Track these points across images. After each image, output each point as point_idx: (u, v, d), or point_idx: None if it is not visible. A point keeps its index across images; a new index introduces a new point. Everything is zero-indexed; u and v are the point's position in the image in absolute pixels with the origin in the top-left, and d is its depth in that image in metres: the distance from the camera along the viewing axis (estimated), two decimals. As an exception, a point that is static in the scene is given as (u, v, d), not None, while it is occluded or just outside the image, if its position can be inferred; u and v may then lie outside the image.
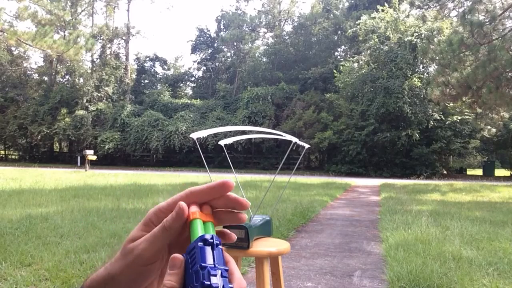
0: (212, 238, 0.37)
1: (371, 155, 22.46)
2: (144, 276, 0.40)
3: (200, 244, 0.37)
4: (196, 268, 0.35)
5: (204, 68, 38.76)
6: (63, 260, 3.09)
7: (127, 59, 34.66)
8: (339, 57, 33.16)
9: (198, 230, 0.39)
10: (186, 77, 40.02)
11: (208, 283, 0.34)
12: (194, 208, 0.41)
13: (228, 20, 36.26)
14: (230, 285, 0.35)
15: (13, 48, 32.57)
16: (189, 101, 31.68)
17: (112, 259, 0.41)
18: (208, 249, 0.37)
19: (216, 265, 0.35)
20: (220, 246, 0.38)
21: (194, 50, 39.14)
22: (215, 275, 0.34)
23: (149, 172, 21.28)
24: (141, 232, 0.40)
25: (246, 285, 0.39)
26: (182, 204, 0.39)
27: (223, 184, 0.39)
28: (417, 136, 20.95)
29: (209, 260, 0.36)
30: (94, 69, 32.84)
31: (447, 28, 19.45)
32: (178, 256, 0.37)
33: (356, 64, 24.80)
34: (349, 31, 25.75)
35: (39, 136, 29.75)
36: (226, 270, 0.36)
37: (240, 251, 1.56)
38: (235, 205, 0.41)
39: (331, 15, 32.82)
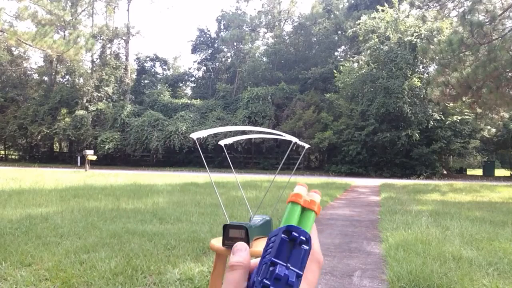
0: (299, 234, 0.33)
1: (371, 155, 22.46)
2: None
3: (283, 235, 0.33)
4: (267, 260, 0.32)
5: (204, 68, 38.76)
6: (63, 260, 3.09)
7: (127, 59, 34.65)
8: (339, 57, 33.15)
9: (293, 217, 0.36)
10: (186, 77, 40.02)
11: (268, 283, 0.31)
12: (299, 189, 0.38)
13: (228, 20, 36.26)
14: None
15: (13, 48, 32.55)
16: (189, 101, 31.67)
17: None
18: (288, 245, 0.33)
19: (290, 266, 0.32)
20: (306, 247, 0.34)
21: (194, 50, 39.16)
22: (280, 279, 0.31)
23: (149, 172, 21.28)
24: None
25: (322, 260, 0.38)
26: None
27: None
28: (417, 136, 20.95)
29: (283, 258, 0.32)
30: (94, 69, 32.84)
31: (447, 28, 19.45)
32: (242, 243, 0.38)
33: (356, 64, 24.79)
34: (349, 31, 25.74)
35: (39, 136, 29.74)
36: (299, 276, 0.32)
37: (240, 251, 1.56)
38: None
39: (331, 15, 32.82)
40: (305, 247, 0.34)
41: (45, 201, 6.66)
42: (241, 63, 33.33)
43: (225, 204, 6.50)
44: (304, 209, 0.37)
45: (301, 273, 0.33)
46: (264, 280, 0.31)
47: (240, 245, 0.38)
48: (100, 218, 5.03)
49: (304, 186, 0.39)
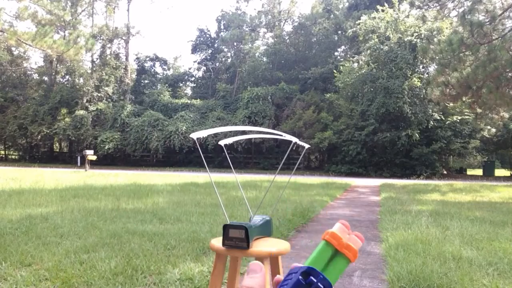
0: (318, 279, 0.30)
1: (371, 155, 22.46)
2: None
3: (300, 277, 0.31)
4: None
5: (204, 68, 38.76)
6: (63, 260, 3.09)
7: (127, 59, 34.64)
8: (339, 57, 33.14)
9: (321, 259, 0.32)
10: (186, 77, 40.02)
11: None
12: (338, 228, 0.34)
13: (228, 20, 36.25)
14: None
15: (13, 48, 32.53)
16: (189, 101, 31.67)
17: None
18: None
19: None
20: None
21: (194, 50, 39.15)
22: None
23: (149, 172, 21.28)
24: None
25: None
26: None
27: None
28: (417, 136, 20.95)
29: None
30: (94, 69, 32.83)
31: (447, 28, 19.45)
32: (257, 262, 0.35)
33: (356, 64, 24.80)
34: (349, 31, 25.75)
35: (39, 136, 29.74)
36: None
37: (240, 251, 1.56)
38: None
39: (331, 15, 32.82)
40: None
41: (45, 201, 6.66)
42: (241, 63, 33.32)
43: (225, 204, 6.50)
44: (337, 252, 0.32)
45: None
46: None
47: (255, 266, 0.34)
48: (100, 218, 5.03)
49: (345, 225, 0.34)
